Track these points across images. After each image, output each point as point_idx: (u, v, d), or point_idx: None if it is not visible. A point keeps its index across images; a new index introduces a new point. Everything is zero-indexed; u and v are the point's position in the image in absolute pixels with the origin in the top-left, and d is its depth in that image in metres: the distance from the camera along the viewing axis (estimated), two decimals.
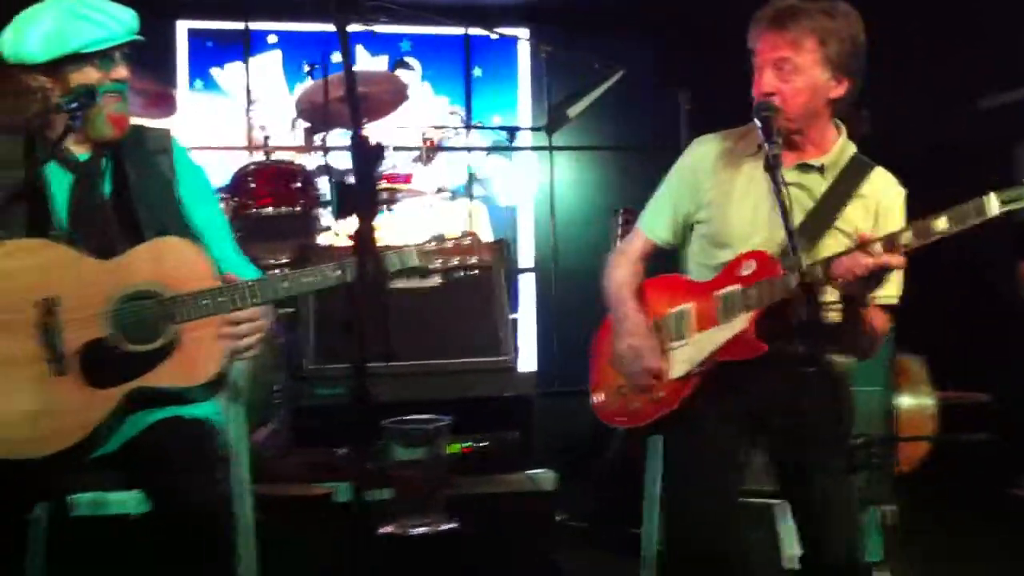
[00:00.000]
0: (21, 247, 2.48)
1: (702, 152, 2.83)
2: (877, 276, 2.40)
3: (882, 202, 2.67)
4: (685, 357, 2.64)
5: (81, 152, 2.62)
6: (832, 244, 2.63)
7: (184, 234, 2.57)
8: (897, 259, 2.36)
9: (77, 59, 2.50)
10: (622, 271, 2.87)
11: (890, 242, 2.37)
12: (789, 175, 2.60)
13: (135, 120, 2.70)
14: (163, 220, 2.58)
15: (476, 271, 2.68)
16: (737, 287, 2.59)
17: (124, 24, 2.54)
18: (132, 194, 2.59)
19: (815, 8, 2.61)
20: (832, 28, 2.59)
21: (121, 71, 2.56)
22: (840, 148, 2.72)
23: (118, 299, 2.45)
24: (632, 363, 2.71)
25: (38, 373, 2.40)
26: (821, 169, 2.68)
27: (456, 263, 2.57)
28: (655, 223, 2.87)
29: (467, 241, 2.59)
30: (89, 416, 2.41)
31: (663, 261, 2.95)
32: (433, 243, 2.57)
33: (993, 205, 2.29)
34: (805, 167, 2.70)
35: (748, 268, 2.59)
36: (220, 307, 2.44)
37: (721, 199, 2.74)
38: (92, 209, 2.59)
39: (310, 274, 2.48)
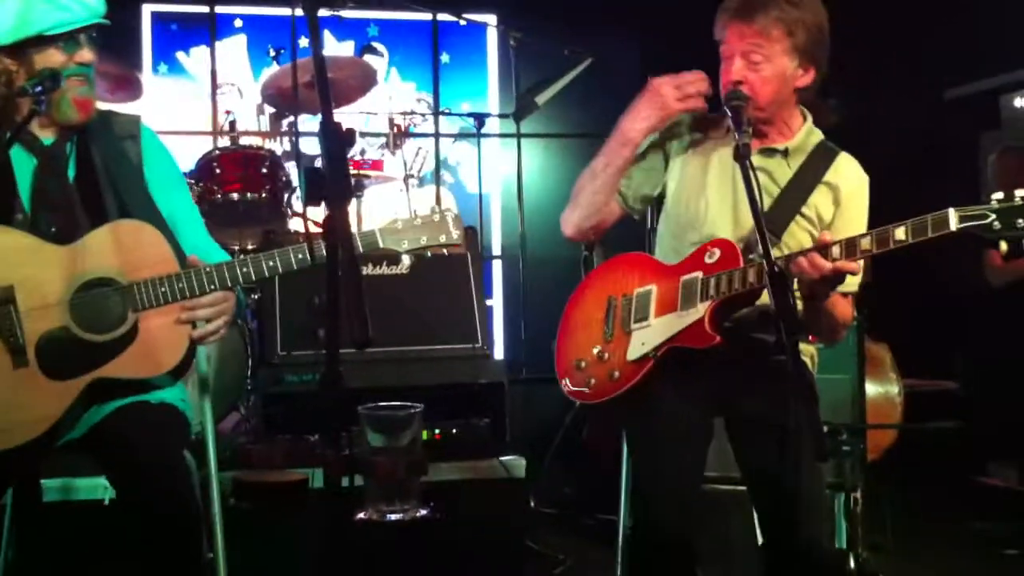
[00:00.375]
0: None
1: (678, 127, 2.83)
2: (836, 278, 2.42)
3: (846, 189, 2.68)
4: (643, 339, 2.63)
5: (46, 136, 2.58)
6: (796, 231, 2.66)
7: (151, 219, 2.53)
8: (853, 265, 2.38)
9: (41, 41, 2.46)
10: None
11: (849, 247, 2.38)
12: (753, 160, 2.60)
13: (103, 105, 2.67)
14: (129, 205, 2.55)
15: (446, 251, 2.60)
16: (699, 274, 2.59)
17: (89, 8, 2.51)
18: (98, 179, 2.56)
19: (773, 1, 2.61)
20: (798, 17, 2.60)
21: (86, 54, 2.52)
22: (805, 133, 2.73)
23: (76, 287, 2.42)
24: (673, 85, 2.66)
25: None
26: (785, 152, 2.70)
27: (425, 242, 2.51)
28: (627, 186, 2.85)
29: (437, 217, 2.54)
30: (50, 409, 2.38)
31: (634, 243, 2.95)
32: (399, 223, 2.52)
33: (952, 221, 2.29)
34: (769, 151, 2.72)
35: (712, 256, 2.60)
36: (179, 293, 2.42)
37: (690, 184, 2.76)
38: (56, 194, 2.54)
39: (271, 258, 2.46)
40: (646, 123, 2.70)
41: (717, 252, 2.60)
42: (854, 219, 2.68)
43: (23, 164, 2.54)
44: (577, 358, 2.75)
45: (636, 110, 2.73)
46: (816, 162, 2.69)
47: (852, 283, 2.59)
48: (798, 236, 2.65)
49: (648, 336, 2.63)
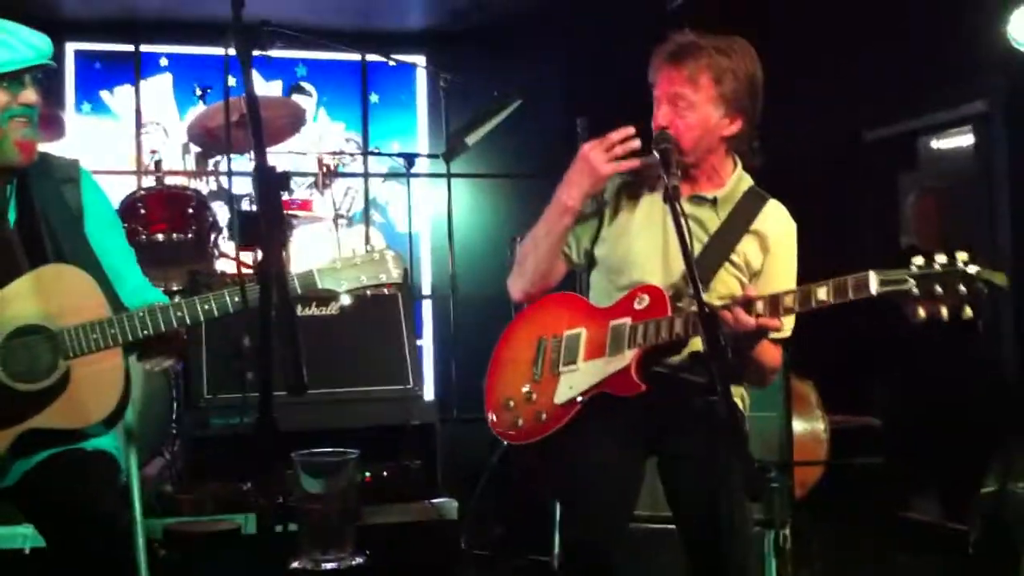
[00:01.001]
0: None
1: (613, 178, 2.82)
2: (760, 332, 2.45)
3: (774, 236, 2.71)
4: (571, 383, 2.63)
5: None
6: (726, 277, 2.67)
7: (88, 265, 2.47)
8: (776, 323, 2.41)
9: None
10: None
11: (773, 304, 2.41)
12: (684, 206, 2.60)
13: (40, 147, 2.60)
14: (69, 251, 2.49)
15: (383, 290, 2.58)
16: (628, 320, 2.60)
17: (35, 48, 2.46)
18: (38, 224, 2.49)
19: (712, 46, 2.65)
20: (728, 67, 2.64)
21: (30, 95, 2.46)
22: (735, 181, 2.75)
23: (5, 335, 2.35)
24: (598, 147, 2.63)
25: None
26: (713, 202, 2.72)
27: (365, 281, 2.47)
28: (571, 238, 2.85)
29: (376, 256, 2.50)
30: None
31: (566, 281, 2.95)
32: (338, 262, 2.48)
33: (873, 285, 2.31)
34: (698, 199, 2.73)
35: (641, 302, 2.61)
36: (111, 339, 2.36)
37: (620, 230, 2.77)
38: None
39: (207, 301, 2.41)
40: (580, 190, 2.69)
41: (647, 299, 2.61)
42: (782, 266, 2.71)
43: None
44: (506, 396, 2.73)
45: (570, 179, 2.70)
46: (745, 209, 2.71)
47: (786, 329, 2.62)
48: (727, 282, 2.67)
49: (576, 380, 2.63)
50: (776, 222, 2.73)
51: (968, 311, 2.25)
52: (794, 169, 5.59)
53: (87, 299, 2.40)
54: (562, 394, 2.63)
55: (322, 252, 5.60)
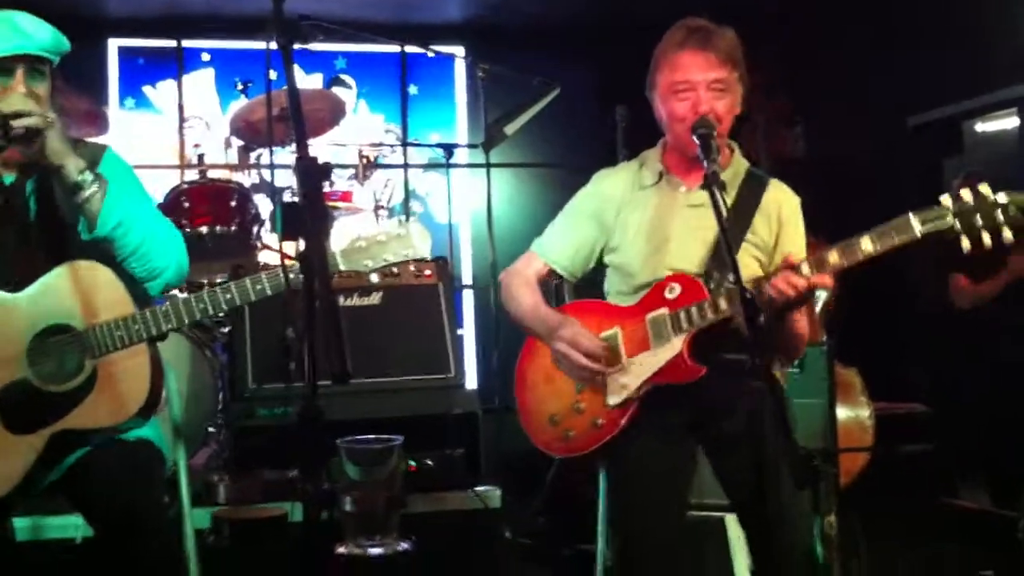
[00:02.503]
0: None
1: (607, 185, 2.84)
2: (809, 294, 2.44)
3: (782, 212, 2.73)
4: (621, 383, 2.61)
5: (7, 174, 2.53)
6: (746, 259, 2.66)
7: (111, 255, 2.46)
8: (826, 280, 2.41)
9: None
10: (529, 291, 2.83)
11: (819, 263, 2.41)
12: (695, 196, 2.65)
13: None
14: (90, 242, 2.47)
15: (413, 270, 2.49)
16: (664, 310, 2.58)
17: (27, 37, 2.43)
18: (60, 216, 2.50)
19: (722, 30, 2.68)
20: (737, 49, 2.67)
21: (17, 86, 2.43)
22: (736, 163, 2.77)
23: (32, 337, 2.36)
24: (573, 356, 2.63)
25: None
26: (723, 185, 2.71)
27: (391, 259, 2.38)
28: (555, 250, 2.85)
29: (402, 232, 2.41)
30: (14, 466, 2.32)
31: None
32: (362, 240, 2.40)
33: (915, 225, 2.34)
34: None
35: (672, 291, 2.59)
36: (136, 335, 2.36)
37: (631, 229, 2.76)
38: (17, 234, 2.49)
39: (227, 291, 2.39)
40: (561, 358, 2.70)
41: (677, 287, 2.59)
42: (796, 233, 2.73)
43: None
44: (549, 414, 2.71)
45: (558, 347, 2.68)
46: (750, 191, 2.73)
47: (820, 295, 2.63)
48: (748, 264, 2.65)
49: (626, 379, 2.61)
50: (782, 198, 2.76)
51: (1008, 234, 2.30)
52: (839, 156, 5.57)
53: (110, 296, 2.39)
54: (614, 395, 2.62)
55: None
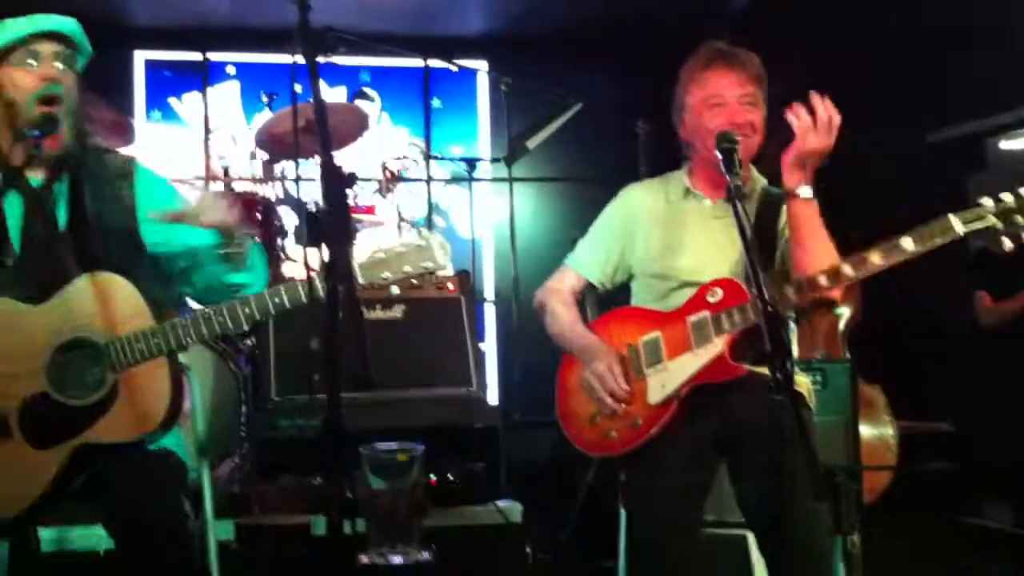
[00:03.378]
0: None
1: (635, 199, 2.92)
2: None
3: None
4: (662, 382, 2.65)
5: (35, 176, 2.51)
6: (775, 269, 2.71)
7: (135, 266, 2.47)
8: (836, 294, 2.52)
9: (7, 55, 2.42)
10: (566, 310, 2.92)
11: (860, 262, 2.44)
12: (718, 208, 2.73)
13: (99, 142, 2.63)
14: (119, 253, 2.49)
15: (435, 283, 2.45)
16: (706, 313, 2.62)
17: (58, 20, 2.45)
18: (89, 223, 2.49)
19: (746, 52, 2.75)
20: (763, 71, 2.74)
21: (48, 70, 2.44)
22: (755, 178, 2.83)
23: (53, 350, 2.35)
24: (599, 390, 2.70)
25: None
26: (745, 197, 2.72)
27: (410, 271, 2.33)
28: (588, 263, 2.94)
29: (422, 243, 2.35)
30: (36, 481, 2.32)
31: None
32: (381, 252, 2.36)
33: (957, 225, 2.37)
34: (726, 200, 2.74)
35: (714, 295, 2.63)
36: (156, 348, 2.35)
37: (661, 242, 2.81)
38: (45, 238, 2.48)
39: (246, 305, 2.38)
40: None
41: (719, 291, 2.63)
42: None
43: (14, 206, 2.48)
44: (589, 415, 2.75)
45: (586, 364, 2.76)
46: (768, 208, 2.77)
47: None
48: (779, 269, 2.72)
49: (667, 378, 2.65)
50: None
51: None
52: (860, 173, 5.54)
53: (130, 308, 2.38)
54: (655, 394, 2.65)
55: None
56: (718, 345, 2.59)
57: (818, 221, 2.59)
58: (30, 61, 2.46)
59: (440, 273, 2.38)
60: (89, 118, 2.58)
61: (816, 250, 2.56)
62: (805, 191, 2.56)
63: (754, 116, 2.68)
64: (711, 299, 2.63)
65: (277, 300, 2.37)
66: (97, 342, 2.36)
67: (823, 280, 2.49)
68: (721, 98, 2.68)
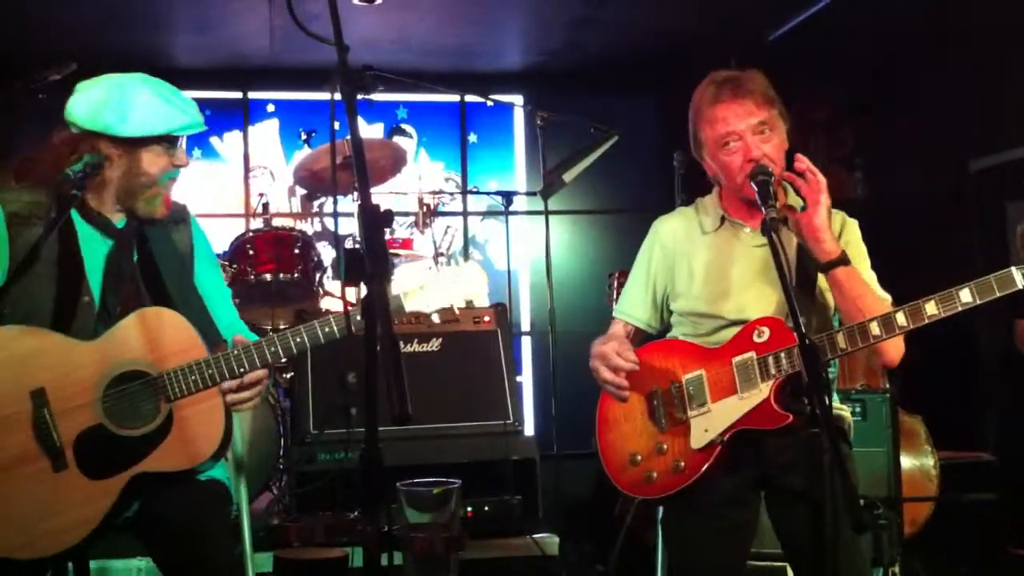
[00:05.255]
0: (8, 336, 2.42)
1: (667, 231, 2.84)
2: None
3: (844, 237, 2.67)
4: (705, 426, 2.59)
5: (118, 219, 2.61)
6: (819, 298, 2.63)
7: (194, 306, 2.56)
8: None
9: (156, 140, 2.54)
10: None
11: (915, 313, 2.38)
12: (758, 235, 2.63)
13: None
14: (177, 290, 2.58)
15: (482, 326, 2.54)
16: (752, 354, 2.56)
17: (192, 116, 2.59)
18: (157, 264, 2.59)
19: (749, 74, 2.66)
20: (770, 87, 2.65)
21: (182, 158, 2.61)
22: (791, 201, 2.69)
23: (108, 382, 2.41)
24: (602, 369, 2.68)
25: (41, 469, 2.36)
26: (785, 221, 2.66)
27: (451, 301, 2.46)
28: (632, 306, 2.86)
29: (461, 272, 2.49)
30: (92, 511, 2.36)
31: None
32: (425, 284, 2.47)
33: (1018, 278, 2.32)
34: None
35: (761, 335, 2.57)
36: (209, 379, 2.42)
37: (697, 275, 2.74)
38: (126, 275, 2.57)
39: (298, 334, 2.46)
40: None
41: (767, 331, 2.56)
42: (860, 261, 2.67)
43: (96, 246, 2.57)
44: (630, 453, 2.69)
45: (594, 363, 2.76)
46: None
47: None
48: (822, 302, 2.64)
49: (711, 422, 2.58)
50: (841, 222, 2.70)
51: None
52: (901, 200, 5.53)
53: (185, 341, 2.45)
54: (698, 438, 2.59)
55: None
56: (764, 391, 2.52)
57: (859, 277, 2.54)
58: (171, 150, 2.59)
59: (478, 303, 2.44)
60: None
61: (867, 308, 2.50)
62: (842, 261, 2.51)
63: (770, 146, 2.60)
64: (757, 339, 2.57)
65: (327, 329, 2.45)
66: (151, 373, 2.42)
67: (876, 328, 2.42)
68: (734, 135, 2.60)
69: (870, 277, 2.65)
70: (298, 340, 2.46)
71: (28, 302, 2.47)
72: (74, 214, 2.55)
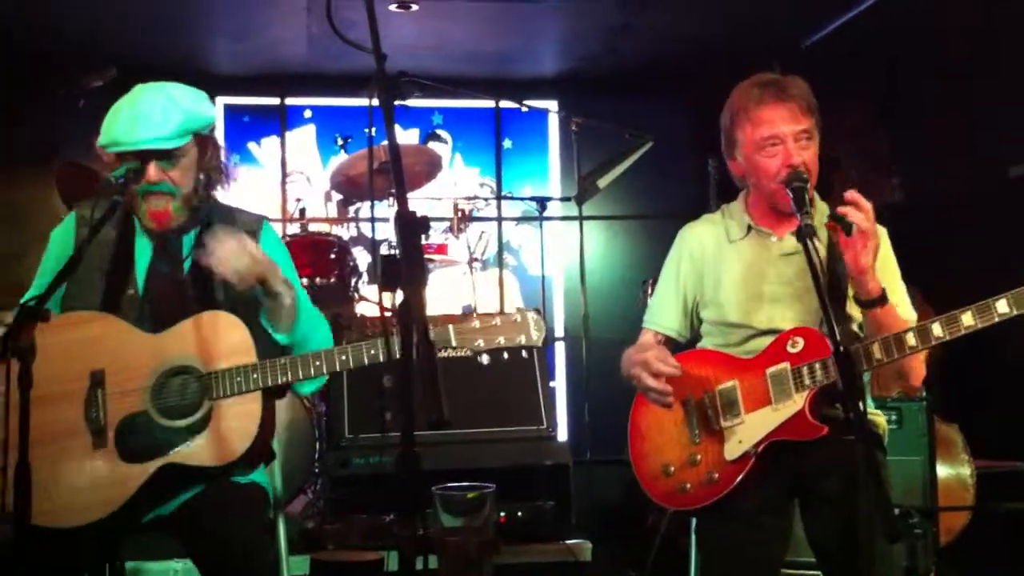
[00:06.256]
0: (82, 318, 2.54)
1: (694, 239, 2.84)
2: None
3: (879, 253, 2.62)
4: (740, 437, 2.58)
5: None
6: (851, 308, 2.61)
7: (251, 311, 2.58)
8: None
9: (126, 155, 2.53)
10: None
11: (951, 323, 2.36)
12: (787, 244, 2.63)
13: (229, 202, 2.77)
14: (237, 297, 2.59)
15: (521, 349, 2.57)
16: (786, 365, 2.55)
17: (159, 132, 2.52)
18: (212, 273, 2.58)
19: (793, 79, 2.66)
20: (812, 95, 2.65)
21: (151, 174, 2.55)
22: (819, 209, 2.68)
23: (160, 373, 2.50)
24: (644, 376, 2.65)
25: (82, 445, 2.46)
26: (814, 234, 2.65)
27: (503, 343, 2.51)
28: (662, 316, 2.85)
29: (518, 318, 2.53)
30: (118, 492, 2.43)
31: None
32: (476, 322, 2.52)
33: None
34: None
35: (795, 345, 2.55)
36: (253, 384, 2.48)
37: (726, 283, 2.74)
38: (166, 280, 2.63)
39: (344, 352, 2.50)
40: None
41: (801, 341, 2.55)
42: (889, 267, 2.67)
43: (143, 249, 2.65)
44: (663, 464, 2.68)
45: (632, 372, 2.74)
46: (837, 232, 2.62)
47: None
48: (855, 307, 2.61)
49: (745, 433, 2.57)
50: None
51: None
52: (940, 208, 5.48)
53: (237, 344, 2.51)
54: (732, 450, 2.58)
55: (457, 295, 5.73)
56: (798, 402, 2.51)
57: (893, 312, 2.51)
58: (134, 167, 2.56)
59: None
60: (220, 173, 2.71)
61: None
62: (880, 301, 2.48)
63: (808, 154, 2.60)
64: (791, 349, 2.55)
65: (372, 352, 2.50)
66: (199, 369, 2.49)
67: (912, 339, 2.40)
68: (777, 137, 2.60)
69: (900, 290, 2.64)
70: (343, 358, 2.50)
71: (75, 289, 2.57)
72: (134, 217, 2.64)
